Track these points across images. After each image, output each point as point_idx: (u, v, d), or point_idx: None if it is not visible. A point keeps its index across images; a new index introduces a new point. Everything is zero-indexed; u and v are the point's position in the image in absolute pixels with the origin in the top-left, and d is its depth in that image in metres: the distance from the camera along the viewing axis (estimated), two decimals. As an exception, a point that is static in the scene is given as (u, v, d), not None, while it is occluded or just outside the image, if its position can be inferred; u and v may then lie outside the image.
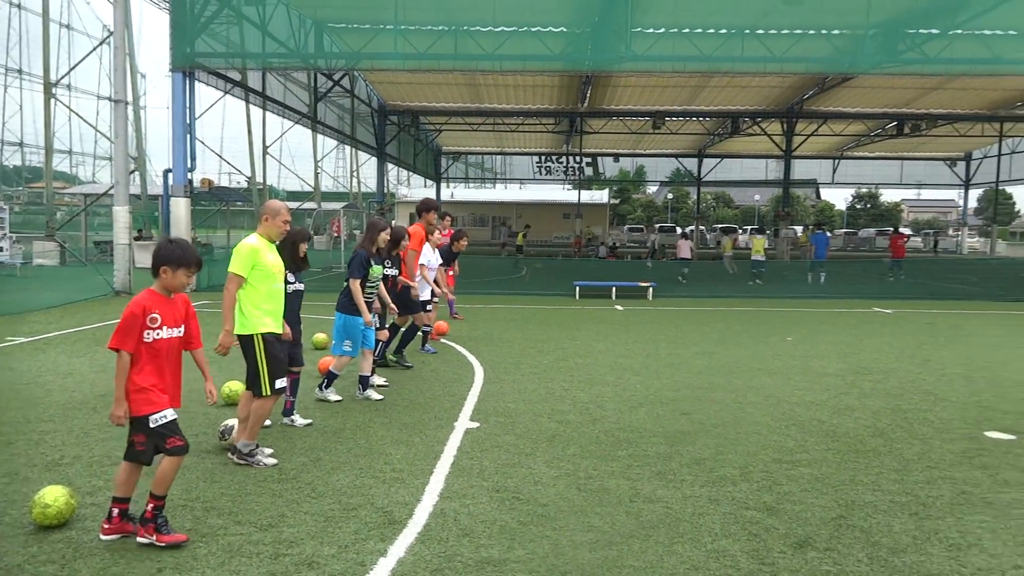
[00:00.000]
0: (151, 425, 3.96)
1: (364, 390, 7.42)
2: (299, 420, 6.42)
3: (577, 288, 18.42)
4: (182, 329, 4.17)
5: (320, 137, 36.59)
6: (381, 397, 7.45)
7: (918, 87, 29.98)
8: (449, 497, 4.78)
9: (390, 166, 41.44)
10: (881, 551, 4.09)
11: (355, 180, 48.39)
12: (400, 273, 8.79)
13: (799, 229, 43.58)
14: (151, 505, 4.02)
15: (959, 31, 19.94)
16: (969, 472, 5.44)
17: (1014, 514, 4.65)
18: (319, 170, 41.16)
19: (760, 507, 4.70)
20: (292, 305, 6.08)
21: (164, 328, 4.05)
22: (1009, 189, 64.52)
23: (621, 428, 6.47)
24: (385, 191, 39.16)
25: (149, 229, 27.76)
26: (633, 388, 8.07)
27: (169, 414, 4.03)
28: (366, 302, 7.15)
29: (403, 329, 9.30)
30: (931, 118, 34.56)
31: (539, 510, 4.59)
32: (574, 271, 23.53)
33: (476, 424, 6.54)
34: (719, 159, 48.54)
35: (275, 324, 5.45)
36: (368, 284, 7.26)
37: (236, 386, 7.04)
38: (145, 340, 3.99)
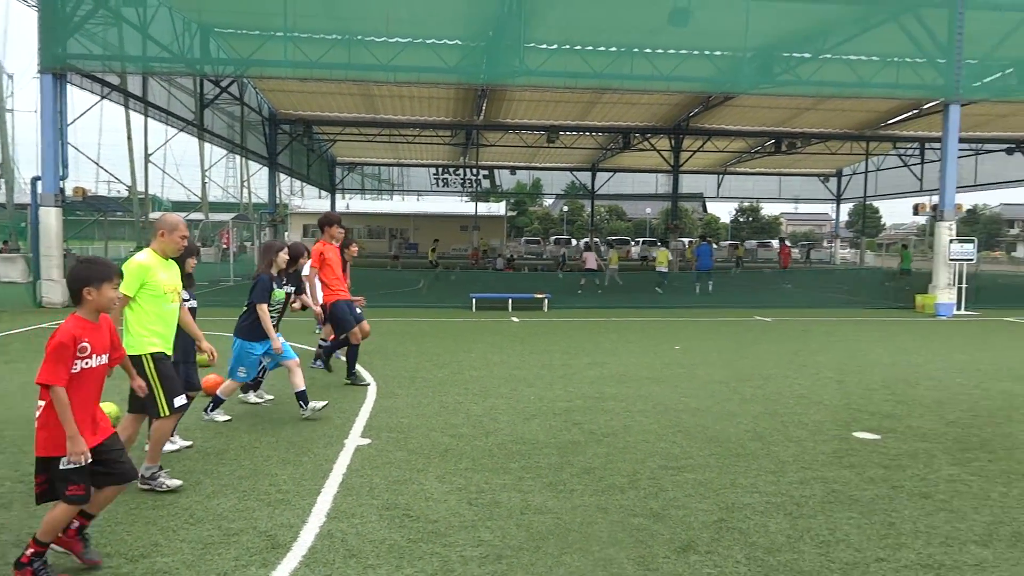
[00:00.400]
0: (60, 467, 3.65)
1: (306, 405, 7.11)
2: (179, 441, 6.11)
3: (474, 300, 18.44)
4: (107, 356, 3.93)
5: (208, 146, 35.30)
6: (326, 403, 7.29)
7: (793, 107, 31.86)
8: (337, 517, 4.66)
9: (283, 176, 40.33)
10: (758, 551, 4.27)
11: (246, 190, 46.87)
12: (303, 291, 8.60)
13: (686, 241, 45.33)
14: (31, 551, 3.70)
15: (828, 55, 21.43)
16: (839, 471, 5.77)
17: (877, 509, 4.96)
18: (207, 179, 39.71)
19: (647, 513, 4.82)
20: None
21: (94, 356, 3.79)
22: (876, 204, 69.31)
23: (514, 440, 6.49)
24: (278, 202, 38.05)
25: (16, 240, 25.93)
26: (527, 400, 8.13)
27: (82, 460, 3.71)
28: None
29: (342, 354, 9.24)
30: (805, 137, 36.77)
31: (429, 527, 4.54)
32: (471, 283, 23.52)
33: (367, 440, 6.41)
34: (612, 173, 49.94)
35: (164, 345, 5.15)
36: (271, 308, 7.03)
37: (109, 408, 6.63)
38: (72, 371, 3.69)
